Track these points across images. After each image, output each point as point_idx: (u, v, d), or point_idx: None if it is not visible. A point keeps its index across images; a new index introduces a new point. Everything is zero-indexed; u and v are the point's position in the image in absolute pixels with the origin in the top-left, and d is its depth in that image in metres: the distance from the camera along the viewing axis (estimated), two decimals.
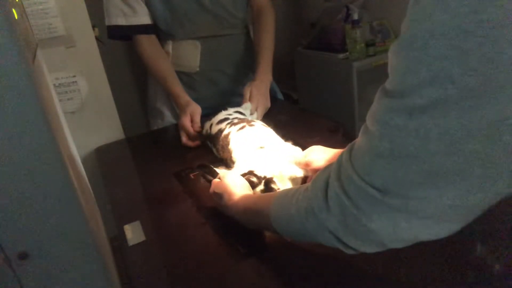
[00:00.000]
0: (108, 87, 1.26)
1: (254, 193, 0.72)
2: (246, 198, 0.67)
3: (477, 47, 0.30)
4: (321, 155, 0.74)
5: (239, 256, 0.66)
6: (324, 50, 2.28)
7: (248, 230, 0.68)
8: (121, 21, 1.18)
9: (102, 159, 1.17)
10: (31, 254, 0.41)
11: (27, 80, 0.36)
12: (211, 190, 0.74)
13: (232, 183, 0.71)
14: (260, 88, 1.20)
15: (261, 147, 0.83)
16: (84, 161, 1.18)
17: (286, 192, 0.56)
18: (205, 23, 1.24)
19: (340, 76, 2.17)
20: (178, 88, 1.19)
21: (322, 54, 2.29)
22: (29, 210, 0.39)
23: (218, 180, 0.74)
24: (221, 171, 0.78)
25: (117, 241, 0.75)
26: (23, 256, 0.40)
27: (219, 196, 0.71)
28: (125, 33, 1.21)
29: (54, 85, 1.16)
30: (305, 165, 0.76)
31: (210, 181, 0.77)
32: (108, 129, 1.28)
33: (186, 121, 1.09)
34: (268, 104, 1.23)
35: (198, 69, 1.30)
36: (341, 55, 2.16)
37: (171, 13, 1.20)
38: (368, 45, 2.11)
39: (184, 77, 1.30)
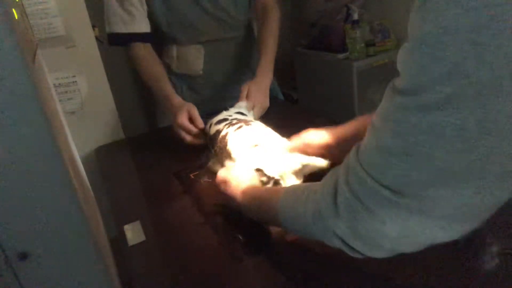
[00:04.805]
0: (108, 87, 1.26)
1: None
2: (254, 188, 0.67)
3: (492, 41, 0.29)
4: (318, 135, 0.74)
5: (239, 256, 0.66)
6: (324, 50, 2.29)
7: (248, 230, 0.68)
8: (120, 29, 1.17)
9: (102, 159, 1.17)
10: (31, 254, 0.41)
11: (27, 80, 0.36)
12: (217, 178, 0.74)
13: (240, 173, 0.71)
14: (260, 86, 1.16)
15: (255, 145, 0.82)
16: (84, 161, 1.18)
17: (295, 189, 0.55)
18: (207, 28, 1.24)
19: (340, 76, 2.18)
20: (170, 89, 1.14)
21: (322, 54, 2.29)
22: (29, 210, 0.39)
23: (225, 169, 0.74)
24: (228, 163, 0.77)
25: (117, 241, 0.75)
26: (23, 256, 0.40)
27: (227, 184, 0.70)
28: (124, 40, 1.20)
29: (54, 85, 1.16)
30: (304, 147, 0.75)
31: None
32: (108, 129, 1.28)
33: (185, 120, 1.04)
34: (267, 104, 1.18)
35: (201, 72, 1.29)
36: (341, 55, 2.16)
37: (173, 19, 1.20)
38: (368, 45, 2.12)
39: (188, 79, 1.29)
